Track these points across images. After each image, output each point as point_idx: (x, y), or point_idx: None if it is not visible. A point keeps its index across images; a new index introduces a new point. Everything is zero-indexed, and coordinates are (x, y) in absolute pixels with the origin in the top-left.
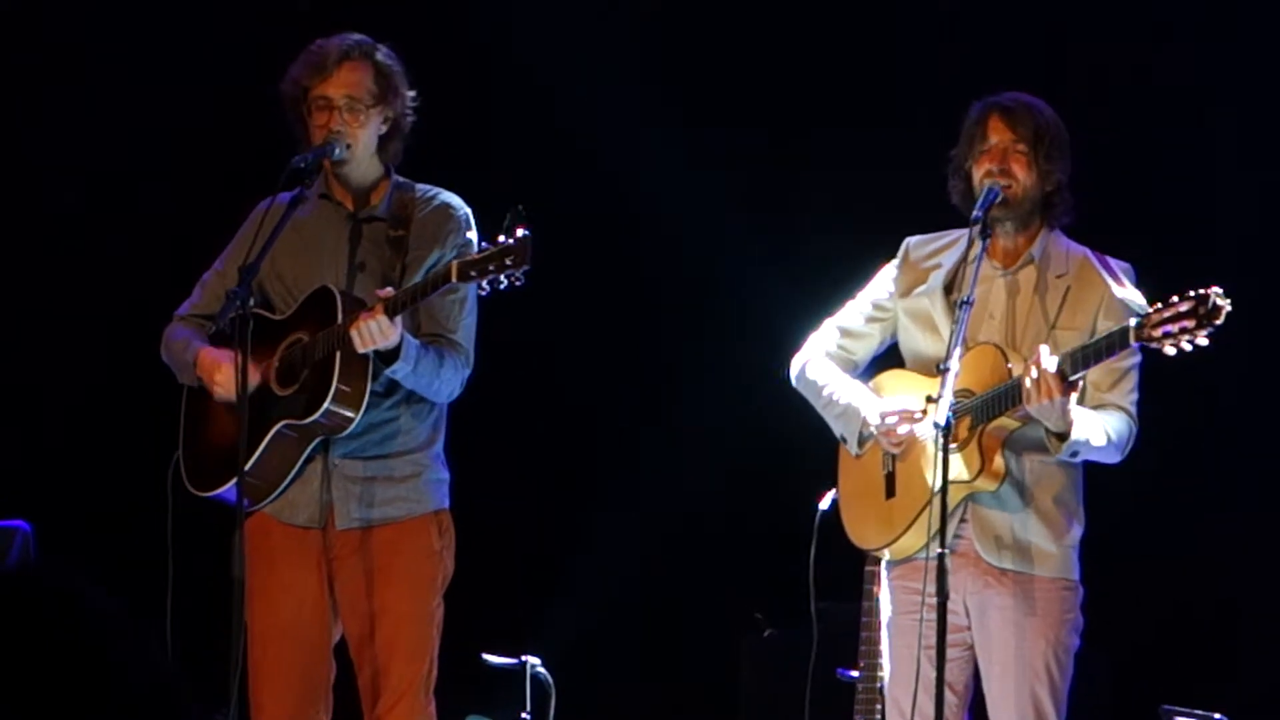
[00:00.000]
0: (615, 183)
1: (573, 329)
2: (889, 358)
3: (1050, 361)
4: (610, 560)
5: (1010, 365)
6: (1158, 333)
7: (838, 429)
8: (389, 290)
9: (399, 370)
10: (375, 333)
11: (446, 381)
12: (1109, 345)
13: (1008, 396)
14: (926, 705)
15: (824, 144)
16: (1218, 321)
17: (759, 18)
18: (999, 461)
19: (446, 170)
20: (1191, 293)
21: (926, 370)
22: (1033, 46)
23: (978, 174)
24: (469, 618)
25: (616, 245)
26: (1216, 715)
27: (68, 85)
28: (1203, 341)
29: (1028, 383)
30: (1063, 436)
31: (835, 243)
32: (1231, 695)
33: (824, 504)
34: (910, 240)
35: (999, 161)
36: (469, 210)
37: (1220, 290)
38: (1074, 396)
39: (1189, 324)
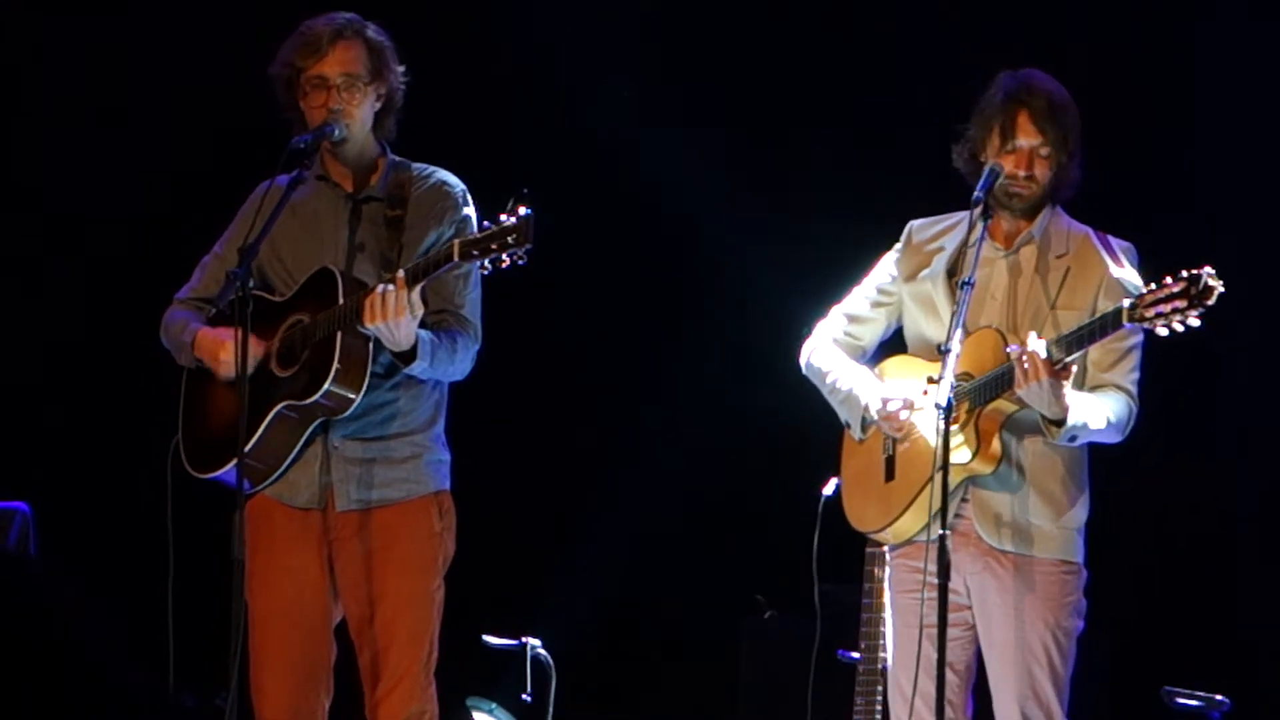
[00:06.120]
0: (622, 170)
1: (578, 312)
2: (896, 342)
3: (1039, 345)
4: (612, 542)
5: (1009, 349)
6: (1150, 313)
7: (842, 415)
8: (400, 274)
9: (417, 368)
10: (390, 306)
11: (460, 364)
12: (1102, 327)
13: (1002, 380)
14: (927, 685)
15: (827, 133)
16: (1209, 302)
17: (760, 12)
18: (996, 444)
19: (452, 160)
20: (1184, 273)
21: (930, 354)
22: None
23: (1001, 167)
24: (470, 599)
25: (621, 232)
26: (1218, 696)
27: (66, 83)
28: (1194, 322)
29: (1017, 367)
30: (1059, 422)
31: (840, 230)
32: (1233, 677)
33: (828, 489)
34: (914, 224)
35: (1026, 167)
36: (464, 187)
37: (1212, 270)
38: (1068, 381)
39: (1181, 304)
